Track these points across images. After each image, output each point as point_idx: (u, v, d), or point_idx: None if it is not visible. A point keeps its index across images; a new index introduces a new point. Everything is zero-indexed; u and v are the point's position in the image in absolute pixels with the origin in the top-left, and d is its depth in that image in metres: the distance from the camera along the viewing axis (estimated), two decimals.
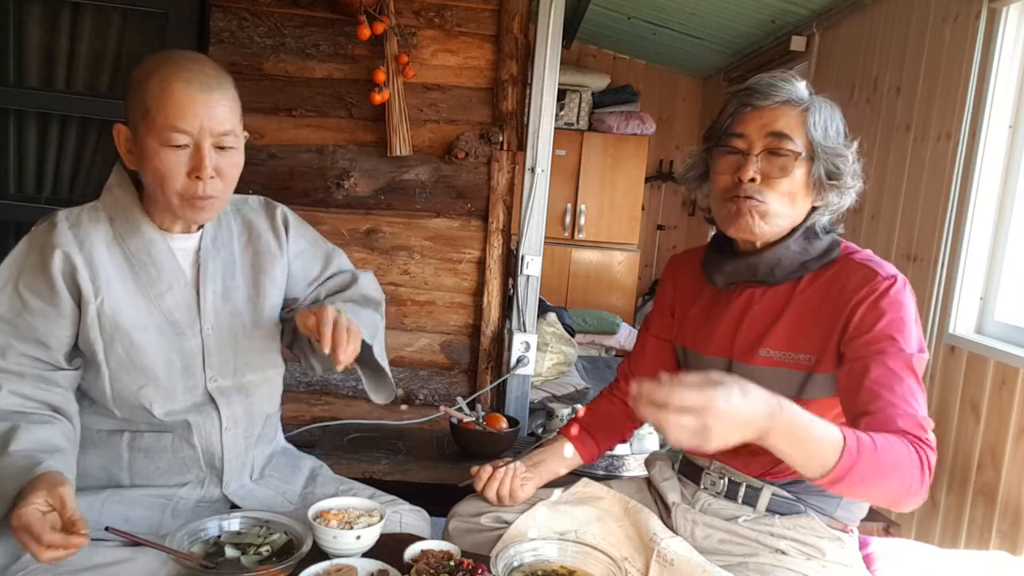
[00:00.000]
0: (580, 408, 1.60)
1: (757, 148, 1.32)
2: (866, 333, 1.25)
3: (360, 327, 1.33)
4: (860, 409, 1.20)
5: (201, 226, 1.39)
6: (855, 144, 1.35)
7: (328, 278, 1.57)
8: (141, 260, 1.34)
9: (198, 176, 1.25)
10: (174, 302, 1.35)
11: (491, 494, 1.45)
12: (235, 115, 1.30)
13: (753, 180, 1.31)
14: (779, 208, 1.32)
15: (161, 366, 1.33)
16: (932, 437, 1.17)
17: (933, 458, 1.14)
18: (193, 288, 1.37)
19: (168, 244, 1.36)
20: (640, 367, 1.60)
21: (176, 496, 1.36)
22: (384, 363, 1.50)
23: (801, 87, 1.34)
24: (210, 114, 1.24)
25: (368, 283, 1.62)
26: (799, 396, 1.32)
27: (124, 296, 1.32)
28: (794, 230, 1.35)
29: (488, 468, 1.47)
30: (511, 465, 1.48)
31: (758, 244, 1.36)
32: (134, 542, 1.17)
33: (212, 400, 1.37)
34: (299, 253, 1.52)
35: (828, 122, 1.33)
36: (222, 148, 1.27)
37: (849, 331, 1.26)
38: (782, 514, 1.37)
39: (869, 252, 1.36)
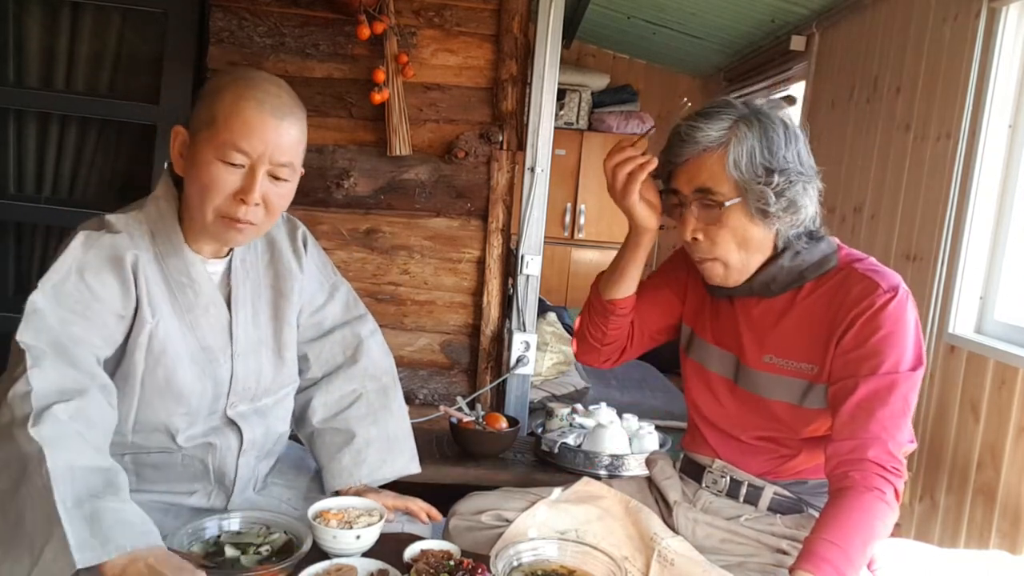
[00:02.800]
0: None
1: (690, 202, 1.29)
2: (859, 348, 1.25)
3: (398, 456, 1.47)
4: (837, 431, 1.25)
5: (231, 249, 1.33)
6: (797, 148, 1.26)
7: (326, 315, 1.52)
8: (180, 282, 1.27)
9: (243, 200, 1.19)
10: (208, 327, 1.30)
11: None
12: (299, 149, 1.25)
13: (696, 239, 1.29)
14: (736, 255, 1.30)
15: (196, 394, 1.28)
16: (903, 460, 1.23)
17: (900, 483, 1.21)
18: (226, 313, 1.32)
19: (204, 266, 1.30)
20: (641, 306, 1.53)
21: (180, 503, 1.34)
22: (416, 462, 1.52)
23: (714, 127, 1.25)
24: (276, 141, 1.19)
25: (378, 351, 1.54)
26: (801, 405, 1.32)
27: (171, 320, 1.26)
28: (779, 251, 1.32)
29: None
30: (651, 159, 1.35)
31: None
32: None
33: (231, 423, 1.34)
34: (311, 278, 1.47)
35: (753, 151, 1.24)
36: (276, 178, 1.22)
37: (844, 343, 1.26)
38: (783, 513, 1.37)
39: (872, 260, 1.33)
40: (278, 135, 1.19)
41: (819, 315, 1.30)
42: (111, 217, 1.24)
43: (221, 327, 1.31)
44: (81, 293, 1.16)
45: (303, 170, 1.30)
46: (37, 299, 1.13)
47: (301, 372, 1.48)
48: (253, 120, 1.18)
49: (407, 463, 1.50)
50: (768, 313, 1.35)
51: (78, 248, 1.18)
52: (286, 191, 1.25)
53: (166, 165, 1.30)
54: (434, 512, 1.45)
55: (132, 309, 1.21)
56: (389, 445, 1.47)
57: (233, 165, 1.18)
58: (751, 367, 1.36)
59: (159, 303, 1.24)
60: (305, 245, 1.46)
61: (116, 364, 1.23)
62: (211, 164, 1.18)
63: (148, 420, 1.26)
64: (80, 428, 1.05)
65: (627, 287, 1.49)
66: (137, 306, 1.21)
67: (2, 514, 0.99)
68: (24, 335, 1.10)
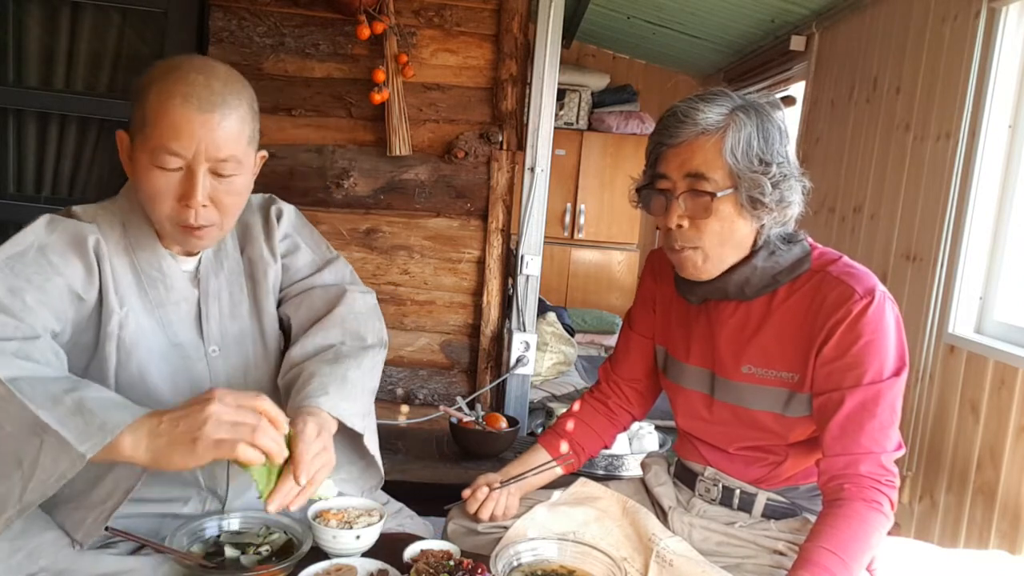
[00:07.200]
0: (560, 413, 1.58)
1: (679, 188, 1.25)
2: (841, 358, 1.23)
3: (345, 405, 1.19)
4: (828, 446, 1.24)
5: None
6: (787, 147, 1.26)
7: (315, 280, 1.39)
8: (151, 275, 1.22)
9: (187, 204, 1.11)
10: (179, 323, 1.24)
11: (485, 515, 1.42)
12: (240, 138, 1.13)
13: (680, 226, 1.26)
14: (718, 247, 1.26)
15: (168, 392, 1.22)
16: (895, 469, 1.23)
17: (895, 494, 1.21)
18: (196, 308, 1.26)
19: (175, 261, 1.25)
20: (624, 368, 1.56)
21: (175, 512, 1.30)
22: (375, 451, 1.30)
23: (714, 110, 1.23)
24: (209, 137, 1.09)
25: (362, 306, 1.40)
26: (783, 414, 1.31)
27: (141, 315, 1.20)
28: (754, 249, 1.29)
29: (484, 489, 1.43)
30: (508, 487, 1.44)
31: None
32: (135, 543, 1.16)
33: None
34: (288, 251, 1.37)
35: (751, 139, 1.22)
36: (220, 175, 1.13)
37: (824, 354, 1.24)
38: (778, 519, 1.37)
39: (845, 260, 1.30)
40: (209, 130, 1.09)
41: (796, 323, 1.28)
42: (78, 208, 1.19)
43: (191, 324, 1.26)
44: (40, 266, 1.10)
45: (264, 154, 1.22)
46: None
47: (285, 335, 1.39)
48: (178, 118, 1.08)
49: (352, 417, 1.23)
50: (745, 322, 1.32)
51: (40, 228, 1.13)
52: (236, 187, 1.16)
53: None
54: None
55: (95, 295, 1.15)
56: (343, 384, 1.25)
57: (168, 170, 1.10)
58: (729, 378, 1.34)
59: (127, 294, 1.19)
60: (279, 218, 1.35)
61: (90, 357, 1.18)
62: (149, 171, 1.11)
63: None
64: (29, 365, 0.97)
65: (551, 474, 1.52)
66: (101, 294, 1.16)
67: None
68: None
